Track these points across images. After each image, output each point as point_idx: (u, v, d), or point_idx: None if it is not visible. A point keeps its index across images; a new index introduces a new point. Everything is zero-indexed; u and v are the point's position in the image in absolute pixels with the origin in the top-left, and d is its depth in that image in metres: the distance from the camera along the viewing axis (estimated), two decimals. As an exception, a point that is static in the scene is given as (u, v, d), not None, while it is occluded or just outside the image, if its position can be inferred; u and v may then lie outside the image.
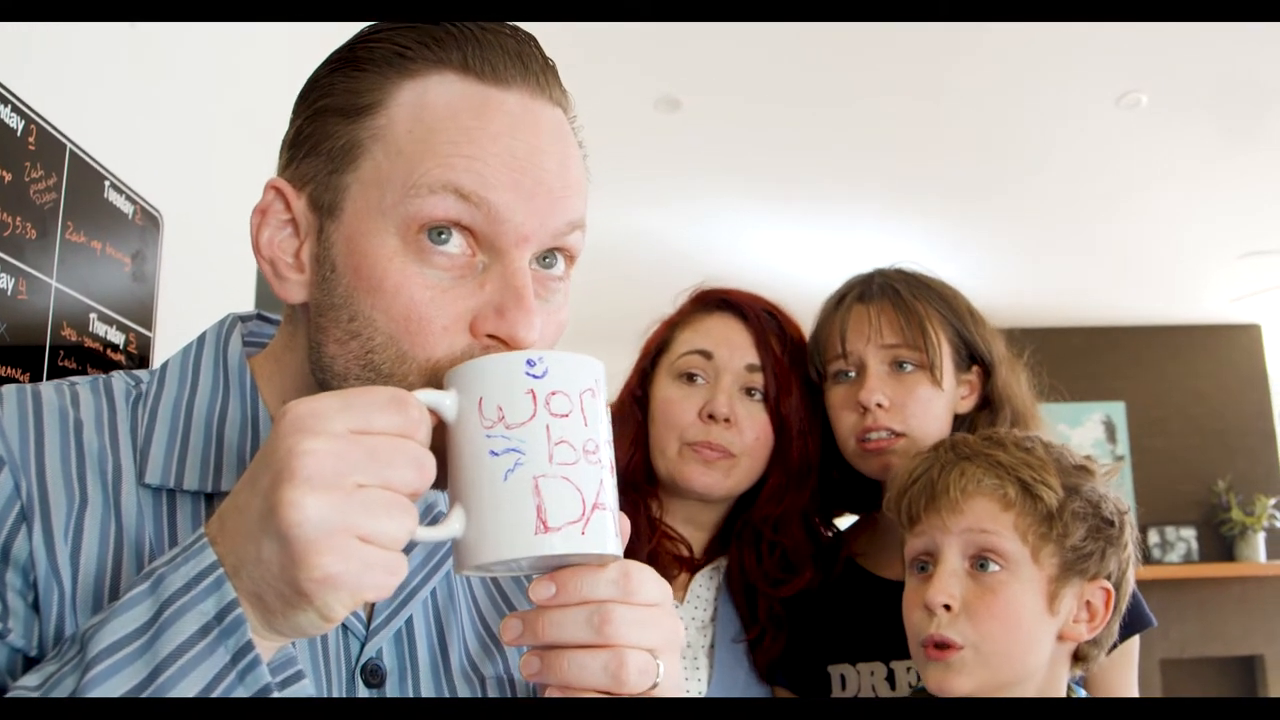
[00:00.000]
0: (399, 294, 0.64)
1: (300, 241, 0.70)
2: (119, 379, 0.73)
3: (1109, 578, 1.06)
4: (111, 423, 0.70)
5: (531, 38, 0.70)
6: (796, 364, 1.32)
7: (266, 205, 0.71)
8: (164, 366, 0.75)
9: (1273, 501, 5.61)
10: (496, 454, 0.58)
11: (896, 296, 1.31)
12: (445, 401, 0.60)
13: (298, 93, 0.73)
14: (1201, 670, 5.55)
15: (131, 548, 0.65)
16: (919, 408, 1.28)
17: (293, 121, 0.72)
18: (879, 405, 1.27)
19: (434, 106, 0.66)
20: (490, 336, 0.65)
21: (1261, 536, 5.56)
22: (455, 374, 0.61)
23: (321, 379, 0.69)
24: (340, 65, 0.70)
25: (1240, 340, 5.92)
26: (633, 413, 1.36)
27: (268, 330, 0.82)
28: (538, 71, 0.68)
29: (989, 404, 1.34)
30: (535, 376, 0.59)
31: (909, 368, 1.29)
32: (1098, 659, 1.09)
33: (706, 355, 1.31)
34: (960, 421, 1.34)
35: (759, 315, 1.32)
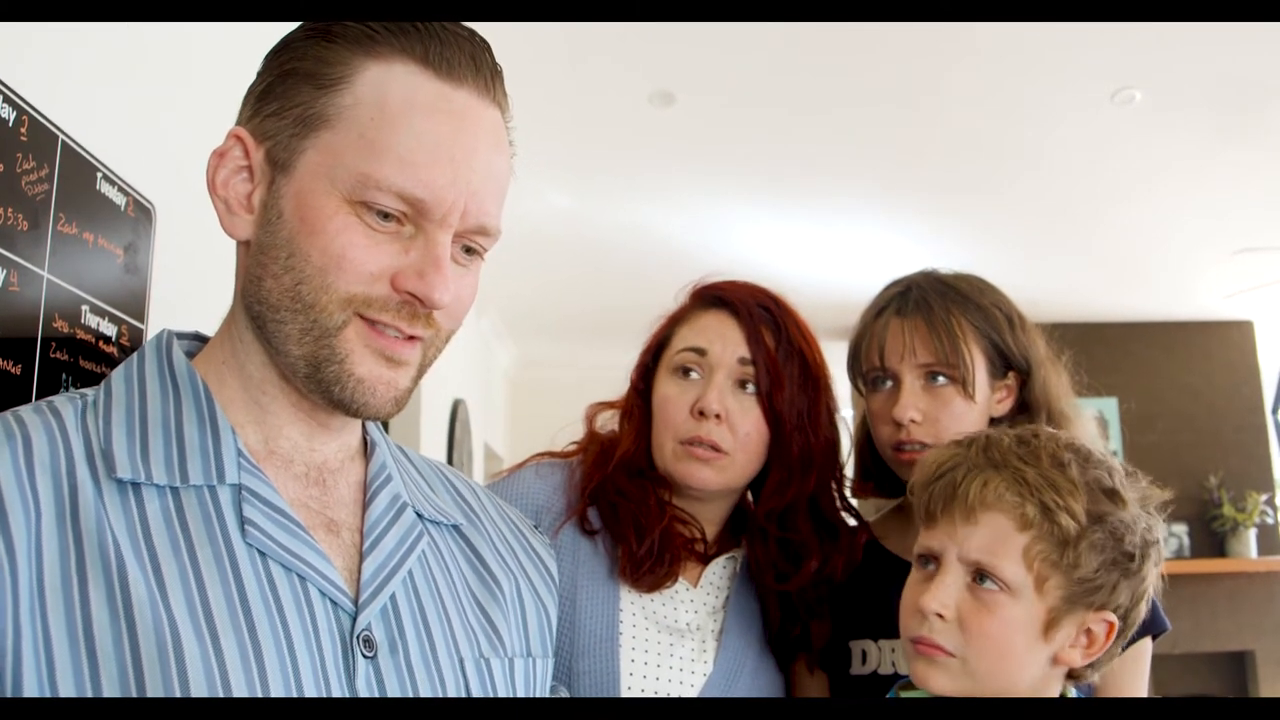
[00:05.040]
0: (338, 237, 0.74)
1: (253, 187, 0.78)
2: (61, 398, 0.77)
3: (1117, 609, 1.03)
4: (62, 431, 0.73)
5: (486, 44, 0.80)
6: (790, 357, 1.31)
7: (225, 150, 0.79)
8: (108, 381, 0.79)
9: (1264, 497, 5.63)
10: None
11: (930, 312, 1.34)
12: None
13: (269, 49, 0.80)
14: (1192, 666, 5.57)
15: (94, 548, 0.68)
16: (951, 421, 1.31)
17: (261, 75, 0.81)
18: (912, 420, 1.32)
19: (394, 99, 0.75)
20: (409, 294, 0.75)
21: (1253, 533, 5.58)
22: None
23: (258, 311, 0.78)
24: (314, 34, 0.78)
25: (1233, 336, 5.94)
26: (638, 405, 1.37)
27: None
28: (487, 75, 0.78)
29: (1026, 407, 1.37)
30: None
31: (942, 380, 1.33)
32: (1090, 677, 1.08)
33: (700, 352, 1.31)
34: (996, 425, 1.34)
35: (751, 309, 1.32)
